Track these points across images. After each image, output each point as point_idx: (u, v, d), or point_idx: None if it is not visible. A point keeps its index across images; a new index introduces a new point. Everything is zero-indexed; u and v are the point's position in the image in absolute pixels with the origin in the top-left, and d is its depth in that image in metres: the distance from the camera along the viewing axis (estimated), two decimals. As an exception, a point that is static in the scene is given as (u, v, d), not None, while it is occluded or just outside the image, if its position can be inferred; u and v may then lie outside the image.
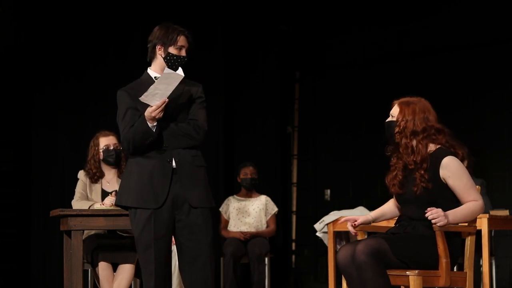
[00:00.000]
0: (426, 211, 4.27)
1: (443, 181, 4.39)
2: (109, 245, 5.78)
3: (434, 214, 4.24)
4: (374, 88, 8.86)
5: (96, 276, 5.79)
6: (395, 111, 4.52)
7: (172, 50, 4.55)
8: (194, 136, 4.49)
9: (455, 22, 8.44)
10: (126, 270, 5.72)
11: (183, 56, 4.55)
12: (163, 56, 4.57)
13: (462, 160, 4.45)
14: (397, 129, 4.46)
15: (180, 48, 4.55)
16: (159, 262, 4.44)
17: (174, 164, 4.46)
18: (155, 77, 4.59)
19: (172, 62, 4.54)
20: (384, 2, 8.92)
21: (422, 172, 4.38)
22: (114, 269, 5.79)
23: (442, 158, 4.38)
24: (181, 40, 4.56)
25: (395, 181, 4.50)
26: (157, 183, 4.45)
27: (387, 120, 4.54)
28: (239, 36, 9.28)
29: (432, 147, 4.45)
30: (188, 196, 4.44)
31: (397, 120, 4.48)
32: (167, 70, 4.37)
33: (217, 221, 7.84)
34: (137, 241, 4.49)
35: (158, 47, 4.60)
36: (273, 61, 9.48)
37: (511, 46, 8.14)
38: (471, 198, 4.38)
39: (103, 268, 5.73)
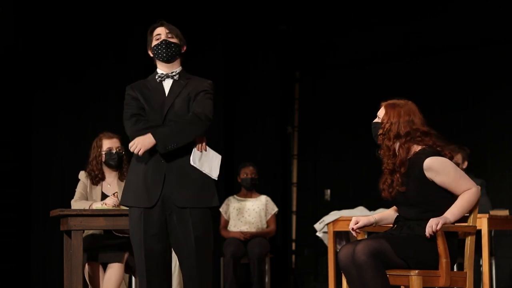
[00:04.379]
0: (426, 233, 4.27)
1: (431, 180, 4.38)
2: (100, 246, 5.78)
3: (429, 230, 4.23)
4: (374, 88, 8.85)
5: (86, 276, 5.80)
6: (381, 112, 4.53)
7: (153, 43, 4.64)
8: (190, 121, 4.47)
9: (455, 22, 8.43)
10: (114, 270, 5.72)
11: (160, 41, 4.59)
12: (152, 54, 4.65)
13: (450, 159, 4.44)
14: (380, 131, 4.47)
15: (158, 37, 4.62)
16: (150, 260, 4.45)
17: (165, 163, 4.48)
18: (158, 76, 4.58)
19: (158, 53, 4.60)
20: (384, 2, 8.92)
21: (398, 175, 4.39)
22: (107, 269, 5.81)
23: (422, 162, 4.36)
24: (157, 31, 4.65)
25: (384, 185, 4.51)
26: (150, 182, 4.48)
27: (373, 121, 4.55)
28: (239, 36, 9.28)
29: (416, 148, 4.44)
30: (175, 196, 4.44)
31: (381, 122, 4.48)
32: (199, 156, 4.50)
33: (217, 221, 7.84)
34: (131, 240, 4.55)
35: (148, 50, 4.70)
36: (273, 61, 9.48)
37: (511, 46, 8.14)
38: (464, 188, 4.37)
39: (90, 268, 5.74)
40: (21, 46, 8.45)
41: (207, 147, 4.54)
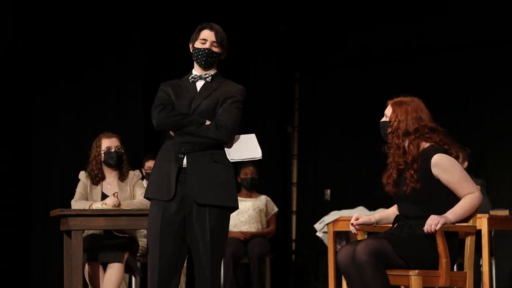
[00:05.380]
0: (424, 229, 4.28)
1: (436, 178, 4.39)
2: (100, 246, 5.78)
3: (428, 228, 4.24)
4: (374, 88, 8.86)
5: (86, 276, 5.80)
6: (388, 111, 4.54)
7: (197, 44, 4.60)
8: (209, 136, 4.45)
9: (455, 22, 8.44)
10: (114, 270, 5.72)
11: (203, 48, 4.55)
12: (192, 52, 4.63)
13: (456, 158, 4.46)
14: (389, 130, 4.48)
15: (203, 42, 4.58)
16: (163, 257, 4.44)
17: (185, 159, 4.46)
18: (191, 77, 4.61)
19: (196, 56, 4.59)
20: (384, 2, 8.92)
21: (412, 172, 4.40)
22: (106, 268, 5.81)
23: (431, 157, 4.38)
24: (204, 34, 4.59)
25: (389, 179, 4.51)
26: (171, 176, 4.46)
27: (381, 120, 4.56)
28: (239, 36, 9.27)
29: (424, 145, 4.46)
30: (196, 193, 4.43)
31: (389, 121, 4.49)
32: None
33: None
34: (147, 234, 4.57)
35: (190, 45, 4.66)
36: (273, 61, 9.47)
37: (511, 46, 8.15)
38: (467, 191, 4.39)
39: (90, 268, 5.74)
40: (21, 46, 8.45)
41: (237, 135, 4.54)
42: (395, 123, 4.47)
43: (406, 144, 4.46)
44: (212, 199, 4.42)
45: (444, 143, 4.47)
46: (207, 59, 4.55)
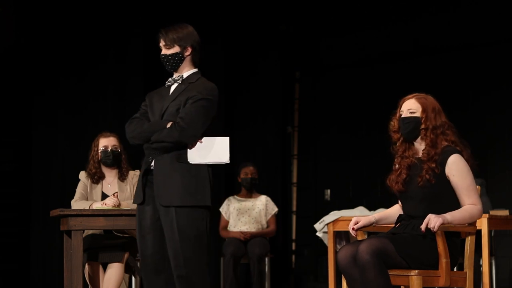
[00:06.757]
0: (421, 227, 4.28)
1: (447, 178, 4.40)
2: (100, 246, 5.78)
3: (424, 226, 4.24)
4: (374, 88, 8.86)
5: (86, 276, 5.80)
6: (414, 106, 4.51)
7: None
8: (166, 141, 4.47)
9: (455, 22, 8.44)
10: (114, 270, 5.72)
11: (160, 56, 4.62)
12: None
13: (467, 162, 4.47)
14: (423, 126, 4.47)
15: (160, 51, 4.64)
16: (145, 257, 4.52)
17: (152, 162, 4.52)
18: (168, 81, 4.65)
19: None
20: (384, 2, 8.92)
21: (433, 165, 4.39)
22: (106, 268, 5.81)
23: (449, 156, 4.40)
24: (160, 43, 4.64)
25: (399, 178, 4.50)
26: (142, 180, 4.57)
27: (406, 116, 4.51)
28: (239, 36, 9.28)
29: (443, 142, 4.48)
30: (160, 195, 4.46)
31: (421, 116, 4.48)
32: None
33: (217, 221, 7.85)
34: None
35: None
36: (273, 61, 9.47)
37: (511, 46, 8.14)
38: (470, 201, 4.39)
39: (90, 268, 5.74)
40: (22, 46, 8.45)
41: (204, 138, 4.51)
42: (427, 119, 4.47)
43: (433, 138, 4.46)
44: (176, 199, 4.43)
45: (456, 144, 4.49)
46: (165, 63, 4.61)
